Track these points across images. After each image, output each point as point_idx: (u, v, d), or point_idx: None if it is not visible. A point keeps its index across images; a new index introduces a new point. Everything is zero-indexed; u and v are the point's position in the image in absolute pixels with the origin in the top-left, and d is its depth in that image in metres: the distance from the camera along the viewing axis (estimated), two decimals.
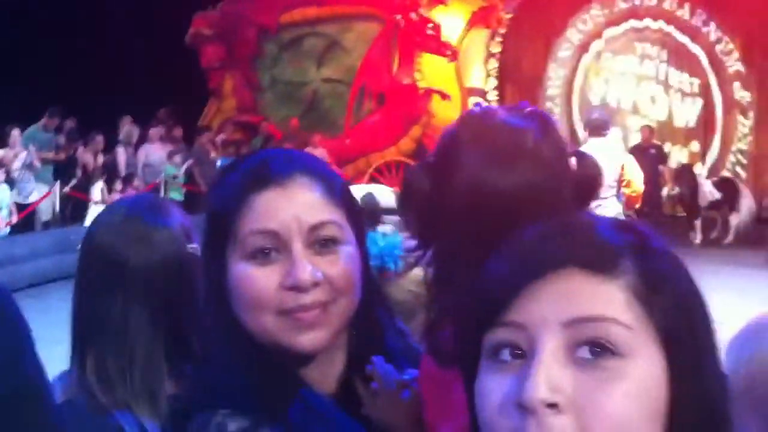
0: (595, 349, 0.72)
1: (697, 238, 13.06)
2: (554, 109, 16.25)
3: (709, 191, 13.41)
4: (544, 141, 1.19)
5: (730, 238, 12.97)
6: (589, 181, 1.23)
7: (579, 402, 0.71)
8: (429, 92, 14.65)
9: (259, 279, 1.10)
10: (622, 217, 0.98)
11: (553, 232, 0.79)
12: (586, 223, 0.81)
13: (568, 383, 0.72)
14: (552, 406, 0.71)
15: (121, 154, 13.44)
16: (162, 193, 12.49)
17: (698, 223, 13.29)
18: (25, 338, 1.03)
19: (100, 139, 13.19)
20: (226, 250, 1.13)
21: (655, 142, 13.61)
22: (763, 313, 1.30)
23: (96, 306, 1.49)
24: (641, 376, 0.72)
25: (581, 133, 15.86)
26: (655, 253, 0.78)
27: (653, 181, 12.31)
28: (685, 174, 13.68)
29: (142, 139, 13.86)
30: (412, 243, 1.30)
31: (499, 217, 1.00)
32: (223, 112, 16.14)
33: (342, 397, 1.20)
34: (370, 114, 14.92)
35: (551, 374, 0.72)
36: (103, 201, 11.33)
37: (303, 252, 1.10)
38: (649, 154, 12.48)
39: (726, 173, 14.81)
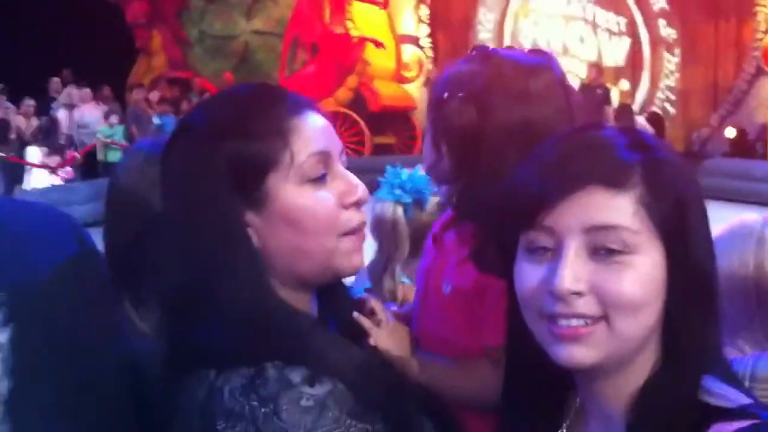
0: (609, 248, 0.92)
1: None
2: (488, 41, 16.33)
3: (642, 126, 13.78)
4: (563, 75, 1.41)
5: None
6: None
7: (598, 287, 0.91)
8: (362, 41, 14.60)
9: (326, 201, 1.10)
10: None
11: (578, 149, 0.97)
12: (604, 141, 0.97)
13: (589, 275, 0.92)
14: (577, 293, 0.91)
15: (63, 116, 13.16)
16: (99, 156, 12.28)
17: None
18: (109, 289, 1.11)
19: (30, 103, 12.86)
20: (266, 180, 1.08)
21: (602, 82, 13.57)
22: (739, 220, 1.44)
23: (126, 245, 1.54)
24: (646, 266, 0.92)
25: None
26: (661, 166, 0.95)
27: (601, 119, 12.53)
28: (624, 112, 14.00)
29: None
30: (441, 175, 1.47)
31: (533, 142, 1.08)
32: (153, 69, 15.83)
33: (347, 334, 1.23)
34: (304, 65, 14.82)
35: (575, 269, 0.91)
36: (42, 165, 11.14)
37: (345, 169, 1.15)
38: (596, 95, 12.51)
39: (655, 109, 15.22)
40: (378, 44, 14.67)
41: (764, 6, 14.30)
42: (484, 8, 16.43)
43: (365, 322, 1.31)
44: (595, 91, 12.64)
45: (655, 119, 14.16)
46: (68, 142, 12.31)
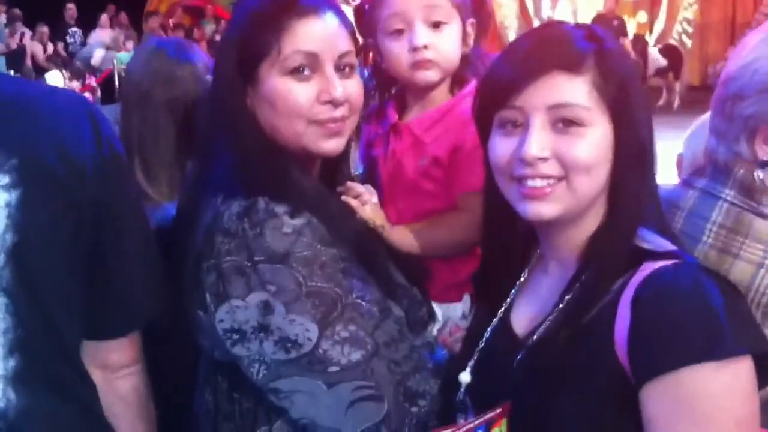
0: (567, 122, 1.14)
1: None
2: None
3: (655, 59, 13.66)
4: None
5: (676, 104, 13.29)
6: None
7: (559, 153, 1.13)
8: None
9: (299, 92, 1.34)
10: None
11: (542, 41, 1.20)
12: (565, 34, 1.19)
13: (552, 143, 1.14)
14: (542, 158, 1.13)
15: (100, 54, 13.13)
16: (117, 81, 12.36)
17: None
18: (121, 160, 1.29)
19: (44, 29, 12.91)
20: (259, 64, 1.35)
21: (618, 14, 13.50)
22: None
23: (134, 124, 1.83)
24: (597, 135, 1.14)
25: (531, 4, 15.94)
26: (610, 55, 1.17)
27: None
28: (637, 43, 13.85)
29: (89, 26, 13.62)
30: None
31: None
32: None
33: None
34: None
35: (540, 139, 1.14)
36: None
37: (334, 73, 1.37)
38: (612, 26, 12.33)
39: (673, 42, 15.03)
40: None
41: None
42: None
43: (352, 201, 1.54)
44: (611, 22, 12.50)
45: (672, 51, 14.01)
46: (87, 66, 12.36)
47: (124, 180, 1.29)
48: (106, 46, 13.15)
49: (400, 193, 1.71)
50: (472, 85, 1.64)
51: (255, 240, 1.27)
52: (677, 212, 1.43)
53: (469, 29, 1.70)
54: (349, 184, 1.55)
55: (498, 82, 1.19)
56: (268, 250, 1.26)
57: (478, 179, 1.31)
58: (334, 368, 1.25)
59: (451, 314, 1.54)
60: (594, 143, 1.14)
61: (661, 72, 13.72)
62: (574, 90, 1.13)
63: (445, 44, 1.65)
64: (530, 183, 1.15)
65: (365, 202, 1.55)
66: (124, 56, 12.70)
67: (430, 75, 1.66)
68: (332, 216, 1.35)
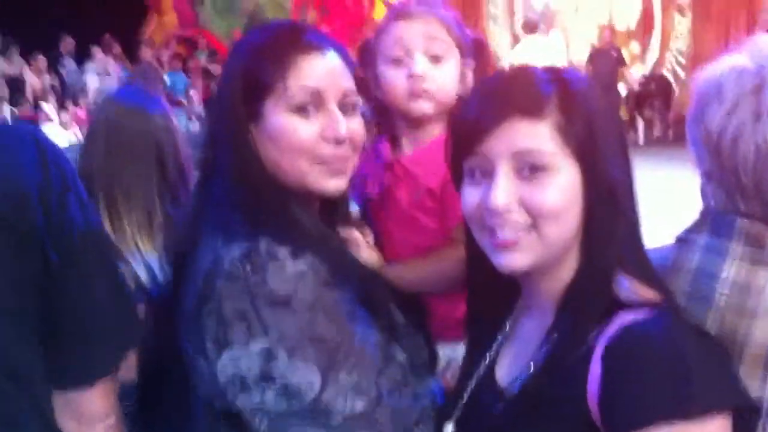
0: (533, 168, 1.10)
1: (640, 139, 13.48)
2: (497, 13, 16.30)
3: (631, 81, 13.76)
4: None
5: (671, 134, 13.38)
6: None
7: (525, 201, 1.10)
8: (373, 2, 14.53)
9: (304, 129, 1.32)
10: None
11: (504, 85, 1.16)
12: (526, 76, 1.15)
13: (517, 191, 1.10)
14: (508, 208, 1.10)
15: (95, 83, 13.23)
16: None
17: (641, 123, 13.67)
18: (71, 179, 1.28)
19: (42, 60, 12.95)
20: (264, 100, 1.33)
21: (615, 44, 13.63)
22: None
23: (106, 169, 1.89)
24: (563, 180, 1.10)
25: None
26: (574, 96, 1.12)
27: (615, 82, 12.50)
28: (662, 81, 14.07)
29: (81, 56, 13.67)
30: None
31: None
32: (163, 27, 15.84)
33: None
34: (314, 24, 14.81)
35: (506, 187, 1.10)
36: (59, 121, 11.28)
37: (338, 111, 1.35)
38: (610, 57, 12.54)
39: (665, 73, 15.17)
40: (388, 5, 14.58)
41: None
42: None
43: (350, 243, 1.52)
44: (609, 53, 12.60)
45: (661, 82, 14.14)
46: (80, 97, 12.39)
47: (76, 203, 1.27)
48: (100, 77, 13.19)
49: (396, 230, 1.71)
50: None
51: (257, 284, 1.23)
52: (680, 274, 1.31)
53: (467, 71, 1.71)
54: (345, 231, 1.53)
55: (463, 128, 1.17)
56: (270, 294, 1.23)
57: None
58: (337, 419, 1.22)
59: (453, 355, 1.52)
60: (561, 189, 1.10)
61: (652, 104, 13.84)
62: (536, 135, 1.10)
63: (442, 78, 1.67)
64: (500, 233, 1.11)
65: (361, 244, 1.53)
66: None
67: (426, 106, 1.66)
68: (334, 257, 1.33)
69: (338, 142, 1.34)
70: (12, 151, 1.22)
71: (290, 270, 1.25)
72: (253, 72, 1.34)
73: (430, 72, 1.65)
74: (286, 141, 1.32)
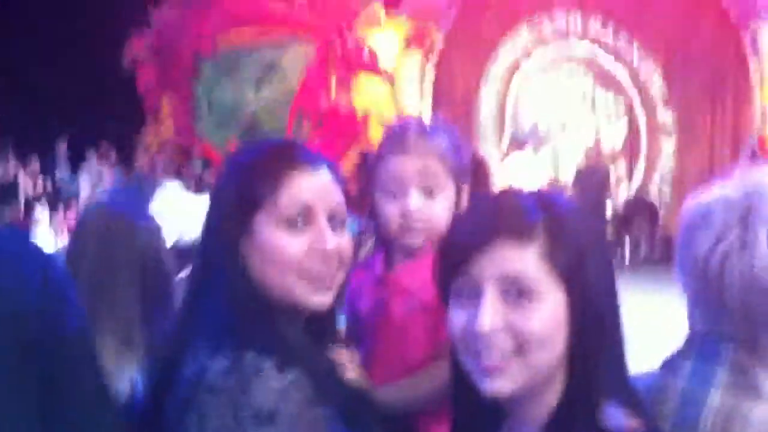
0: (519, 292, 1.12)
1: (627, 258, 13.58)
2: (487, 128, 16.68)
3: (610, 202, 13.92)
4: None
5: (657, 254, 13.47)
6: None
7: (511, 326, 1.11)
8: (367, 117, 14.85)
9: (293, 245, 1.35)
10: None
11: (494, 208, 1.18)
12: (514, 202, 1.18)
13: (504, 316, 1.11)
14: (494, 333, 1.11)
15: (86, 191, 13.34)
16: None
17: (627, 242, 13.80)
18: (69, 293, 1.30)
19: (36, 162, 13.09)
20: (254, 214, 1.36)
21: (603, 163, 13.83)
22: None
23: (91, 288, 1.86)
24: (550, 305, 1.12)
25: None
26: (562, 222, 1.15)
27: (602, 201, 12.64)
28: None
29: (76, 160, 13.81)
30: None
31: None
32: (161, 135, 16.05)
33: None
34: (309, 137, 15.06)
35: (492, 311, 1.11)
36: (50, 225, 11.28)
37: (327, 226, 1.37)
38: (597, 176, 12.67)
39: (652, 193, 15.40)
40: (382, 120, 14.87)
41: (760, 94, 14.63)
42: (486, 86, 16.77)
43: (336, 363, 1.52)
44: (596, 171, 12.76)
45: (647, 202, 14.35)
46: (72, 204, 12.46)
47: (74, 320, 1.30)
48: (93, 183, 13.31)
49: (388, 344, 1.71)
50: None
51: (241, 398, 1.23)
52: (666, 400, 1.34)
53: (464, 194, 1.75)
54: (335, 352, 1.53)
55: (451, 249, 1.19)
56: (254, 407, 1.23)
57: None
58: None
59: None
60: (547, 315, 1.11)
61: (638, 224, 13.99)
62: (524, 260, 1.12)
63: (436, 212, 1.70)
64: (485, 358, 1.12)
65: (348, 364, 1.53)
66: None
67: (418, 241, 1.71)
68: (319, 373, 1.32)
69: (326, 256, 1.36)
70: (13, 258, 1.25)
71: (275, 385, 1.25)
72: (245, 188, 1.37)
73: (424, 207, 1.68)
74: (275, 255, 1.35)
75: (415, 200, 1.66)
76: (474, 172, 1.79)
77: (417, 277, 1.70)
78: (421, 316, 1.68)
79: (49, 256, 1.31)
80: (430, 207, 1.68)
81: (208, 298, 1.35)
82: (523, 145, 8.93)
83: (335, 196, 1.41)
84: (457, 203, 1.72)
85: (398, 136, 1.73)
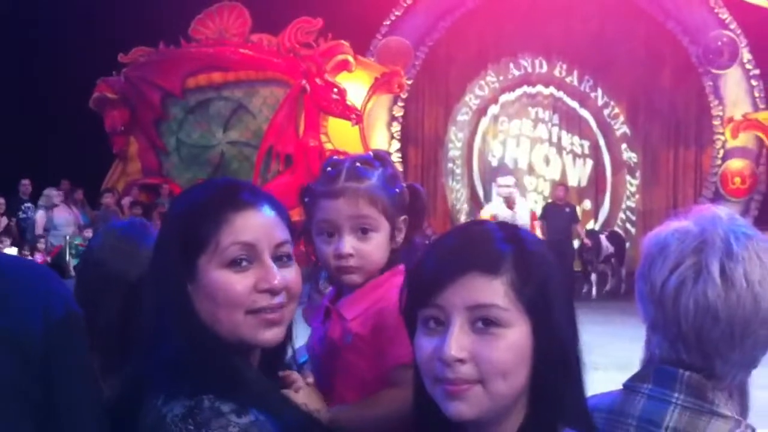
0: (486, 322, 1.14)
1: (593, 291, 13.70)
2: (455, 169, 16.85)
3: (605, 246, 14.14)
4: None
5: (623, 288, 13.60)
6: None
7: (477, 355, 1.13)
8: (335, 154, 14.90)
9: (237, 283, 1.34)
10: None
11: (463, 240, 1.21)
12: (484, 234, 1.21)
13: (470, 345, 1.13)
14: (460, 360, 1.12)
15: (41, 217, 13.18)
16: (67, 258, 12.31)
17: (594, 277, 13.93)
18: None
19: (1, 202, 12.96)
20: (198, 257, 1.35)
21: (570, 201, 13.93)
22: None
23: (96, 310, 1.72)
24: (515, 336, 1.14)
25: (481, 190, 16.56)
26: (529, 256, 1.18)
27: (570, 238, 12.82)
28: (591, 232, 14.43)
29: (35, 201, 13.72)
30: None
31: None
32: (127, 175, 16.01)
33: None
34: (277, 176, 15.09)
35: (459, 340, 1.13)
36: None
37: (271, 262, 1.37)
38: (564, 213, 12.82)
39: (617, 229, 15.61)
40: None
41: (722, 134, 14.97)
42: (454, 127, 17.00)
43: (285, 390, 1.52)
44: (563, 209, 12.92)
45: (616, 238, 14.55)
46: (38, 242, 12.33)
47: (78, 348, 1.34)
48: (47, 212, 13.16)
49: (336, 373, 1.73)
50: (400, 268, 1.73)
51: None
52: (625, 421, 1.40)
53: (401, 225, 1.77)
54: (283, 373, 1.54)
55: (421, 279, 1.21)
56: None
57: (408, 350, 1.29)
58: None
59: None
60: (511, 346, 1.14)
61: (606, 258, 14.16)
62: (492, 290, 1.14)
63: (370, 251, 1.72)
64: (450, 383, 1.14)
65: (298, 389, 1.54)
66: (79, 240, 12.72)
67: (354, 279, 1.73)
68: (276, 410, 1.32)
69: (273, 293, 1.36)
70: (24, 282, 1.31)
71: (235, 427, 1.24)
72: (188, 229, 1.37)
73: (358, 248, 1.70)
74: (221, 295, 1.34)
75: (347, 244, 1.69)
76: (411, 204, 1.79)
77: (353, 306, 1.72)
78: (359, 345, 1.69)
79: (62, 288, 1.36)
80: (363, 247, 1.70)
81: (162, 343, 1.33)
82: (512, 205, 9.57)
83: (279, 231, 1.40)
84: (392, 237, 1.75)
85: (331, 179, 1.73)
